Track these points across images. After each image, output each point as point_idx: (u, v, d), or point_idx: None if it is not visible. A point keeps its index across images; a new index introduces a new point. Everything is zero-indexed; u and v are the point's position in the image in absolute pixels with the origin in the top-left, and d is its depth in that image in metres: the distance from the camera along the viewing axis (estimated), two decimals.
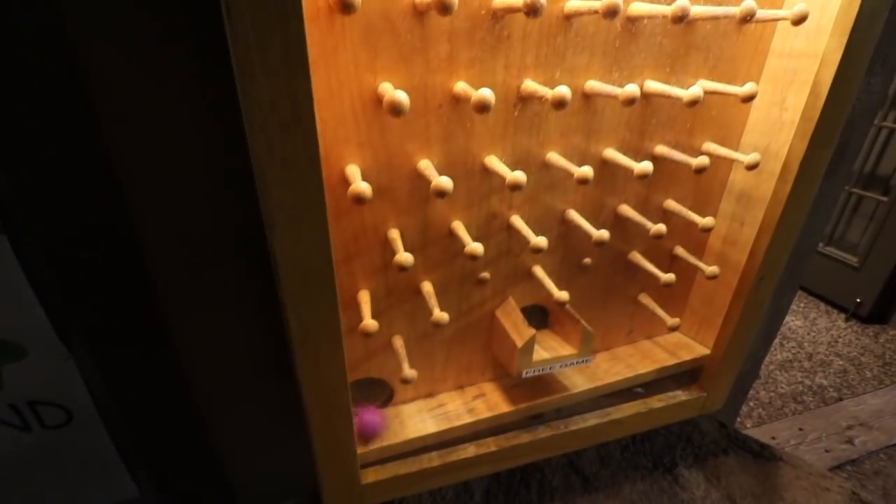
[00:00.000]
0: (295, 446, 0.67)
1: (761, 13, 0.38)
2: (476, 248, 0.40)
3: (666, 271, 0.51)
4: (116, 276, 0.48)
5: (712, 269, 0.52)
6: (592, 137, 0.45)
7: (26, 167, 0.41)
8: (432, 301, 0.44)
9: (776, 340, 1.93)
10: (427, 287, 0.46)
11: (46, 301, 0.48)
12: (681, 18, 0.36)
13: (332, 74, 0.34)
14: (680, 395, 0.60)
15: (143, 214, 0.45)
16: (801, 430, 1.50)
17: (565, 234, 0.50)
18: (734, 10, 0.38)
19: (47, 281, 0.47)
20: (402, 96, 0.31)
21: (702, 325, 0.62)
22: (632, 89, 0.37)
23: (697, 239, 0.58)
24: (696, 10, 0.37)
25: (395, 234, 0.42)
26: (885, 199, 1.85)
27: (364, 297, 0.44)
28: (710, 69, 0.46)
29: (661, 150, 0.48)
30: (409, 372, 0.45)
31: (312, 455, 0.45)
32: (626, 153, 0.45)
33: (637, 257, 0.54)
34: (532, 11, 0.31)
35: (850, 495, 0.62)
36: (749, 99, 0.41)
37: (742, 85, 0.41)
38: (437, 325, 0.43)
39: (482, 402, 0.54)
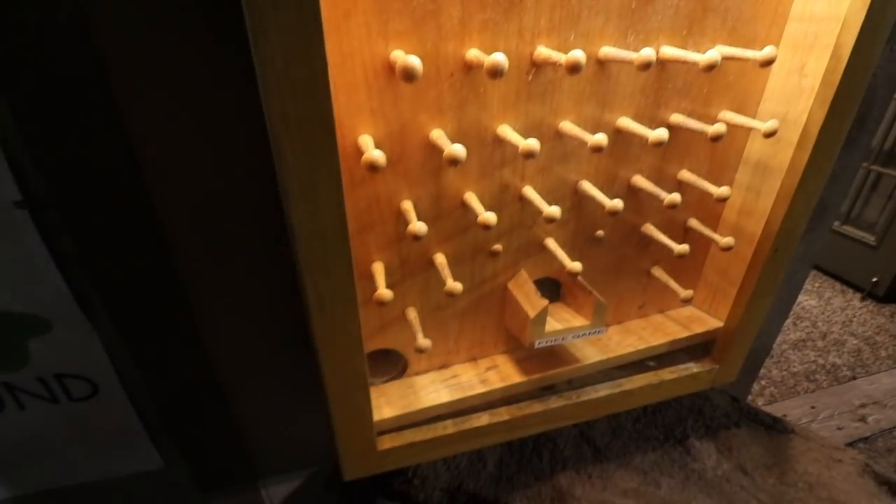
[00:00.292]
0: (314, 416, 0.69)
1: None
2: (489, 217, 0.40)
3: (680, 243, 0.51)
4: (137, 249, 0.49)
5: (727, 240, 0.52)
6: (606, 106, 0.45)
7: (45, 142, 0.41)
8: (445, 272, 0.45)
9: (790, 320, 1.92)
10: (440, 259, 0.46)
11: (69, 275, 0.50)
12: None
13: (345, 41, 0.34)
14: (692, 368, 0.61)
15: (162, 186, 0.46)
16: (813, 408, 1.49)
17: (578, 205, 0.50)
18: None
19: (69, 255, 0.48)
20: (414, 61, 0.31)
21: (715, 298, 0.62)
22: (647, 53, 0.36)
23: (712, 210, 0.57)
24: None
25: (408, 206, 0.42)
26: None
27: (378, 269, 0.45)
28: (728, 33, 0.45)
29: (677, 118, 0.47)
30: (423, 341, 0.46)
31: (331, 423, 0.46)
32: (640, 122, 0.45)
33: (650, 229, 0.54)
34: None
35: (862, 467, 0.62)
36: (768, 63, 0.40)
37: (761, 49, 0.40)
38: (451, 294, 0.44)
39: (495, 374, 0.55)
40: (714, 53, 0.38)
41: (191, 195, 0.48)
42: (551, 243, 0.50)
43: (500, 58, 0.33)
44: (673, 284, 0.57)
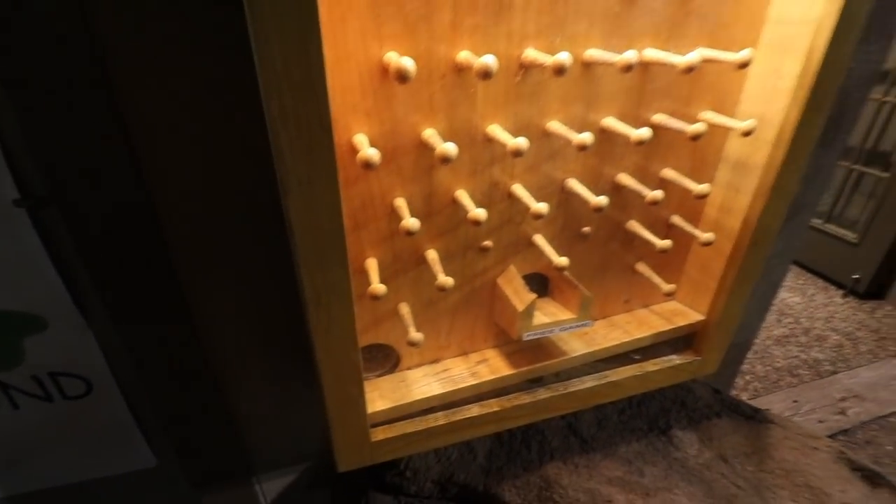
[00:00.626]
0: (307, 412, 0.70)
1: None
2: (479, 213, 0.42)
3: (662, 239, 0.53)
4: (133, 247, 0.49)
5: (707, 235, 0.54)
6: (592, 106, 0.47)
7: (44, 140, 0.42)
8: (437, 267, 0.46)
9: (773, 316, 1.96)
10: (432, 254, 0.48)
11: (65, 274, 0.50)
12: None
13: (341, 43, 0.35)
14: (675, 359, 0.63)
15: (160, 184, 0.46)
16: (795, 401, 1.53)
17: (565, 202, 0.52)
18: None
19: (66, 253, 0.49)
20: (408, 62, 0.32)
21: (697, 292, 0.64)
22: (630, 55, 0.38)
23: (694, 207, 0.59)
24: None
25: (401, 202, 0.43)
26: (886, 175, 1.85)
27: (372, 265, 0.46)
28: (708, 36, 0.47)
29: (659, 118, 0.49)
30: (415, 335, 0.47)
31: (325, 414, 0.47)
32: (624, 122, 0.47)
33: (634, 226, 0.56)
34: None
35: (837, 454, 0.65)
36: (745, 65, 0.42)
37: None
38: (442, 289, 0.45)
39: (485, 367, 0.57)
40: (694, 56, 0.40)
41: (188, 193, 0.48)
42: (539, 239, 0.51)
43: (489, 60, 0.34)
44: (656, 279, 0.59)
